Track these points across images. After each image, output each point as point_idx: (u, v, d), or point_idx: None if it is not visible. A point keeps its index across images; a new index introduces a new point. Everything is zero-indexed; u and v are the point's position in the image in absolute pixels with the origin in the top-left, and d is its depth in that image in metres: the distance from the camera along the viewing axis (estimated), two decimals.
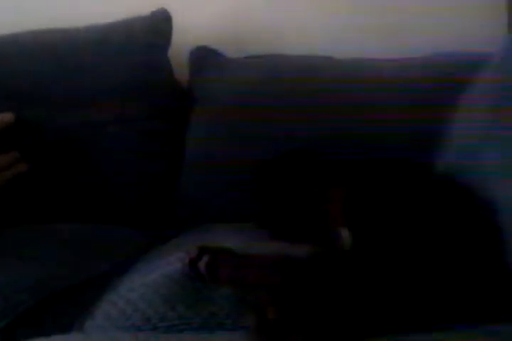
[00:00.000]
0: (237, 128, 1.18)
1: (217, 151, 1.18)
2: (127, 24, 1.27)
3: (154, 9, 1.29)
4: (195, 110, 1.24)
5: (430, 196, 0.71)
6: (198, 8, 1.33)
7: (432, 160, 0.92)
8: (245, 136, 1.17)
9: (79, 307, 0.73)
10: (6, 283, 0.77)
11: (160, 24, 1.28)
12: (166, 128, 1.23)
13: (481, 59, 0.97)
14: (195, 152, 1.21)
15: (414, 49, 1.21)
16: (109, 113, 1.20)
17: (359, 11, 1.29)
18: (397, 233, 0.65)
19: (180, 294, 0.69)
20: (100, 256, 0.92)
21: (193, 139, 1.21)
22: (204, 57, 1.27)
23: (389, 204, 0.69)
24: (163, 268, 0.78)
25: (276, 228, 0.90)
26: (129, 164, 1.18)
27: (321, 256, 0.66)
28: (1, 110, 1.15)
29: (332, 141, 1.12)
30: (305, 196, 0.89)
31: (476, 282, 0.61)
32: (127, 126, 1.20)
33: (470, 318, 0.56)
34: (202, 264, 0.70)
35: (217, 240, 0.89)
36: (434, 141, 0.96)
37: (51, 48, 1.25)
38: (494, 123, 0.76)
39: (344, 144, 1.11)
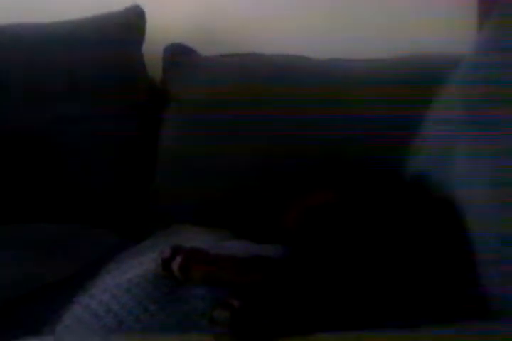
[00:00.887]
0: (211, 126, 1.18)
1: (190, 150, 1.18)
2: (100, 20, 1.26)
3: (128, 5, 1.28)
4: (168, 107, 1.23)
5: (394, 201, 0.72)
6: (173, 5, 1.33)
7: (402, 162, 0.93)
8: (218, 135, 1.16)
9: (50, 309, 0.71)
10: None
11: (133, 20, 1.27)
12: (139, 126, 1.22)
13: (453, 60, 0.99)
14: (169, 150, 1.20)
15: (389, 49, 1.22)
16: (81, 109, 1.19)
17: (335, 10, 1.30)
18: (356, 236, 0.66)
19: (153, 295, 0.68)
20: (71, 257, 0.91)
21: (167, 137, 1.20)
22: (178, 54, 1.25)
23: (352, 212, 0.70)
24: (136, 268, 0.78)
25: (242, 230, 0.91)
26: (100, 162, 1.17)
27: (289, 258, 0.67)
28: None
29: (305, 138, 1.13)
30: (271, 202, 0.90)
31: (438, 285, 0.62)
32: (99, 123, 1.19)
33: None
34: (175, 264, 0.70)
35: (189, 240, 0.89)
36: (405, 141, 0.98)
37: (21, 43, 1.23)
38: (465, 126, 0.77)
39: (317, 142, 1.13)
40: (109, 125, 1.19)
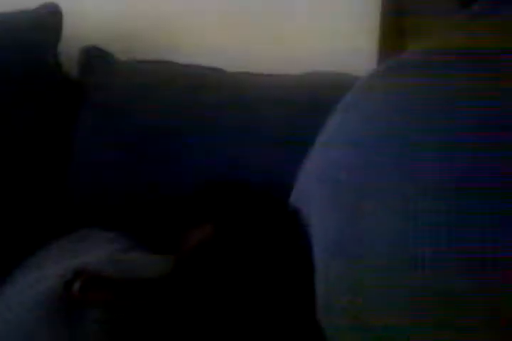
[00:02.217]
0: (123, 132, 1.22)
1: (102, 153, 1.22)
2: (11, 18, 1.24)
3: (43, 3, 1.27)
4: (82, 110, 1.25)
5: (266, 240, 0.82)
6: (93, 4, 1.33)
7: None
8: (131, 141, 1.21)
9: None
10: None
11: (48, 19, 1.26)
12: (52, 129, 1.23)
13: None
14: (82, 152, 1.23)
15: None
16: None
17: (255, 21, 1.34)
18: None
19: (52, 317, 0.75)
20: None
21: (80, 140, 1.23)
22: (93, 57, 1.27)
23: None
24: (40, 283, 0.83)
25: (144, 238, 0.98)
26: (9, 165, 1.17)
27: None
28: None
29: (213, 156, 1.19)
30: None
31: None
32: (9, 127, 1.18)
33: None
34: (75, 287, 0.77)
35: (91, 249, 0.96)
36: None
37: None
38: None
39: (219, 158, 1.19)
40: (20, 130, 1.19)
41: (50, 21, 1.26)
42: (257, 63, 1.30)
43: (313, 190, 0.82)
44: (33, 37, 1.23)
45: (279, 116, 1.20)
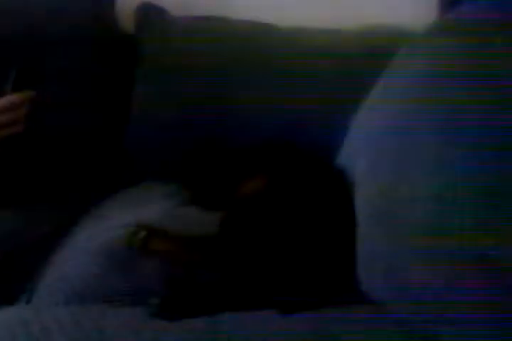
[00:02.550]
0: (179, 88, 1.26)
1: (161, 108, 1.25)
2: None
3: None
4: (139, 66, 1.30)
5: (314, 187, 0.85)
6: None
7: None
8: (188, 97, 1.24)
9: (23, 274, 0.84)
10: None
11: None
12: (112, 84, 1.28)
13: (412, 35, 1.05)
14: (141, 107, 1.29)
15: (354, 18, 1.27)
16: (53, 67, 1.21)
17: None
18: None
19: (115, 263, 0.82)
20: (40, 218, 1.01)
21: (138, 96, 1.28)
22: (149, 14, 1.30)
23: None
24: (102, 234, 0.90)
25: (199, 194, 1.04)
26: (74, 119, 1.23)
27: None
28: None
29: (268, 106, 1.22)
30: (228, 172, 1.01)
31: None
32: (72, 80, 1.24)
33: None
34: (139, 238, 0.84)
35: (148, 205, 1.02)
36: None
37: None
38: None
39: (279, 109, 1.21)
40: (81, 83, 1.25)
41: None
42: (312, 18, 1.28)
43: (359, 152, 0.84)
44: None
45: (335, 71, 1.20)
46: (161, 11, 1.31)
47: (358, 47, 1.23)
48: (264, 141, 1.07)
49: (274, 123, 1.19)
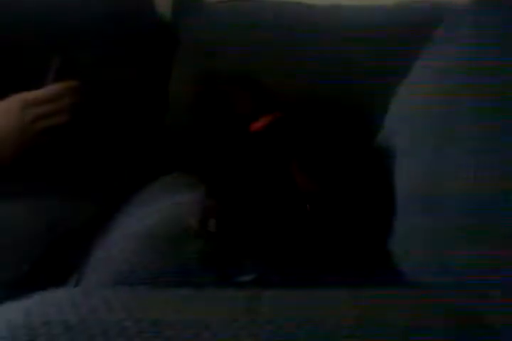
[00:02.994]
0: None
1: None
2: None
3: None
4: (177, 52, 1.31)
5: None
6: None
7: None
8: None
9: (71, 258, 0.87)
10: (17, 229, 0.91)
11: None
12: (151, 70, 1.31)
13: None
14: (179, 92, 1.30)
15: None
16: (94, 54, 1.23)
17: None
18: None
19: (161, 246, 0.84)
20: (92, 199, 1.04)
21: (177, 82, 1.30)
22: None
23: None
24: (151, 216, 0.92)
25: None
26: (116, 107, 1.26)
27: None
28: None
29: (305, 89, 1.21)
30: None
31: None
32: (112, 69, 1.26)
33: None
34: (212, 223, 0.83)
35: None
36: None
37: None
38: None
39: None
40: (121, 70, 1.27)
41: None
42: None
43: (398, 129, 0.83)
44: None
45: (371, 50, 1.18)
46: None
47: (394, 25, 1.21)
48: None
49: None
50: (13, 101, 0.90)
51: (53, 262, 0.88)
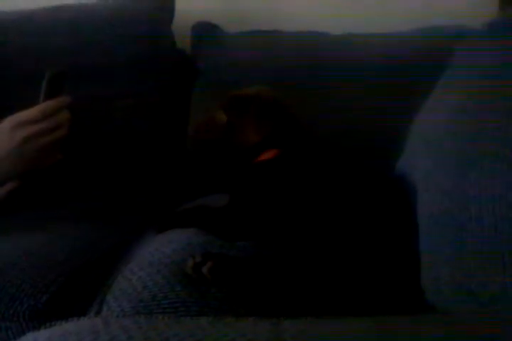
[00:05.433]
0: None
1: None
2: (134, 1, 1.34)
3: None
4: (198, 83, 1.33)
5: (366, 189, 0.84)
6: None
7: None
8: None
9: (93, 286, 0.87)
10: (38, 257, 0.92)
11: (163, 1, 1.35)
12: (172, 100, 1.33)
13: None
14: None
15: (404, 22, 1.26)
16: (117, 87, 1.29)
17: None
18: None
19: (178, 276, 0.84)
20: (111, 228, 1.04)
21: (197, 111, 1.32)
22: (204, 32, 1.34)
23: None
24: (166, 247, 0.92)
25: None
26: (139, 135, 1.29)
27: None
28: (18, 89, 1.21)
29: (327, 117, 1.22)
30: None
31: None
32: (134, 100, 1.30)
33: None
34: (205, 269, 0.82)
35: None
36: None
37: (64, 24, 1.32)
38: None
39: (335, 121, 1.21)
40: (143, 101, 1.30)
41: (166, 2, 1.35)
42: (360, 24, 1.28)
43: (420, 154, 0.82)
44: (152, 17, 1.32)
45: (390, 79, 1.19)
46: (216, 29, 1.35)
47: (413, 50, 1.22)
48: None
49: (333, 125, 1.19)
50: (5, 123, 0.91)
51: (73, 291, 0.88)
